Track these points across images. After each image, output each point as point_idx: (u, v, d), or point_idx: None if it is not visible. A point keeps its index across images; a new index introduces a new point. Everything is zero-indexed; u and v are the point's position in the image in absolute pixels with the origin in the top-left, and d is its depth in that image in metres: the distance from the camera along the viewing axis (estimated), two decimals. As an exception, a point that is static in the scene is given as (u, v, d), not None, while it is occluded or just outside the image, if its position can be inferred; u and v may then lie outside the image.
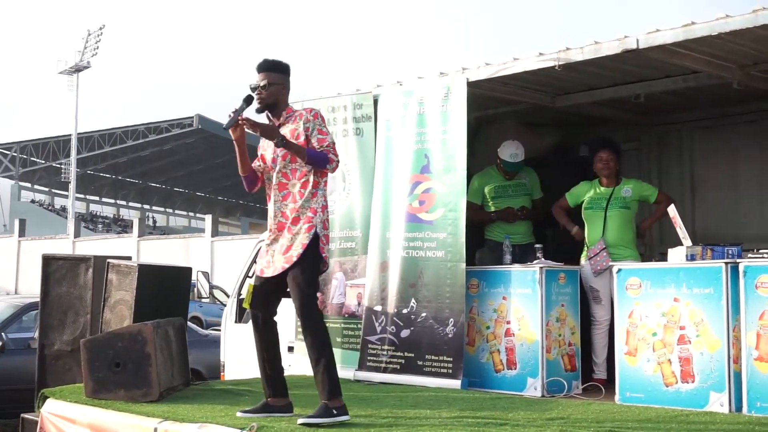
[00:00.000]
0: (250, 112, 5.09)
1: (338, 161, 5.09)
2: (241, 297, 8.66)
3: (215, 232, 33.14)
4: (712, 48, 5.86)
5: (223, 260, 30.02)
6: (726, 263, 5.33)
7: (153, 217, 68.49)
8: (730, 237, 6.50)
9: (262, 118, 5.21)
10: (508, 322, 6.38)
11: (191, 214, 74.58)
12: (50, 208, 64.94)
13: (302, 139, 5.03)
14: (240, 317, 8.58)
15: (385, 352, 6.81)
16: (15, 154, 60.83)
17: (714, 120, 7.96)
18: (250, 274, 8.62)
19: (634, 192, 6.73)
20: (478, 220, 7.23)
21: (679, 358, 5.47)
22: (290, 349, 7.69)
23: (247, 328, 8.37)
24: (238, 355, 8.46)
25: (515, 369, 6.31)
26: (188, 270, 7.48)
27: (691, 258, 5.61)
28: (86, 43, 52.91)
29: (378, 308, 6.91)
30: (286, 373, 7.61)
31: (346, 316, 7.16)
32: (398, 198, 6.93)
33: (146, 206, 71.63)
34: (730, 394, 5.25)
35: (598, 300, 6.61)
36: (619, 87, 7.07)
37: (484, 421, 4.87)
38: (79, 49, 53.12)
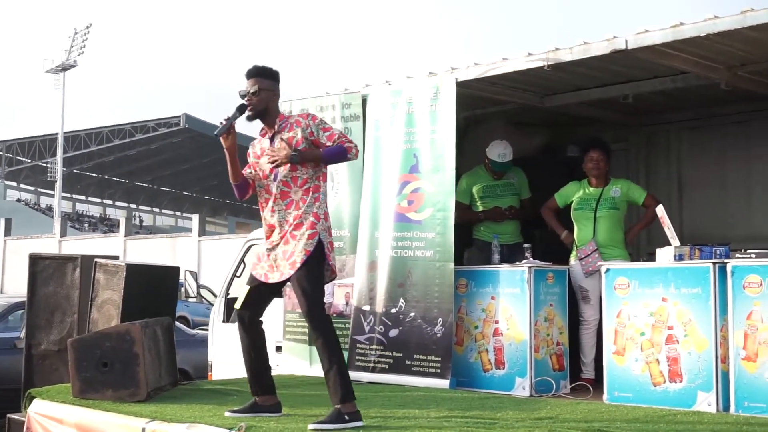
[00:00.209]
0: (241, 121, 5.03)
1: (356, 146, 5.01)
2: (230, 297, 8.66)
3: (202, 232, 33.04)
4: (700, 49, 5.88)
5: (210, 260, 29.94)
6: (714, 263, 5.35)
7: (139, 217, 68.27)
8: (717, 237, 6.52)
9: (255, 126, 5.15)
10: (497, 322, 6.38)
11: (178, 213, 74.39)
12: (36, 207, 64.67)
13: (303, 145, 4.96)
14: (228, 317, 8.56)
15: (373, 352, 6.80)
16: (1, 153, 60.61)
17: (702, 120, 7.99)
18: (238, 274, 8.61)
19: (623, 192, 6.74)
20: (466, 220, 7.23)
21: (667, 357, 5.49)
22: (278, 348, 7.68)
23: (235, 328, 8.40)
24: (225, 355, 8.44)
25: (503, 369, 6.32)
26: (176, 269, 7.45)
27: (679, 258, 5.63)
28: (73, 42, 52.70)
29: (366, 308, 6.91)
30: (274, 373, 7.61)
31: (335, 315, 7.14)
32: (387, 197, 6.93)
33: (133, 205, 71.40)
34: (718, 393, 5.27)
35: (587, 300, 6.62)
36: (607, 87, 7.08)
37: (473, 421, 4.87)
38: (65, 47, 52.93)
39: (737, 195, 7.87)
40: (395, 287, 6.76)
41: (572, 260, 6.74)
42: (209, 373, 8.59)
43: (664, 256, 5.75)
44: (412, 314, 6.65)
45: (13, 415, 6.33)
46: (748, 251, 5.48)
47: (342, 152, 4.96)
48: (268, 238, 5.08)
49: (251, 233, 9.45)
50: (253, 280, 5.11)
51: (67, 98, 52.89)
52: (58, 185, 52.36)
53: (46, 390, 6.09)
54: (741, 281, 5.18)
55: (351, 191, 7.20)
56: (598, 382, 6.26)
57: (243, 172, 5.17)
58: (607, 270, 5.89)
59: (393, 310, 6.76)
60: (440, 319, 6.49)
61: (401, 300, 6.72)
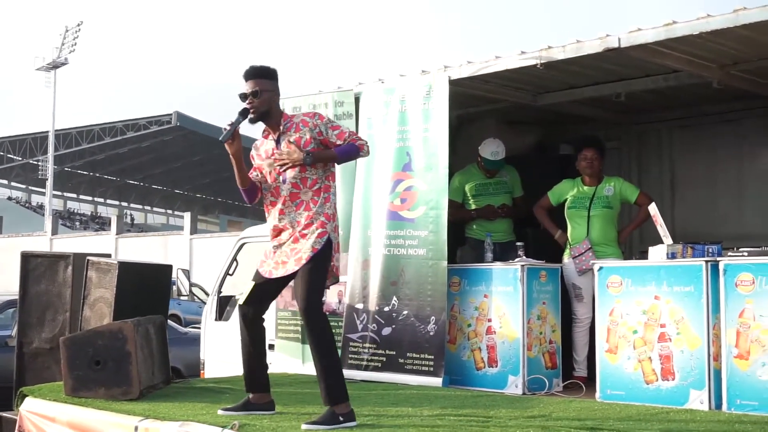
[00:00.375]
0: (244, 124, 4.92)
1: (366, 143, 4.96)
2: (222, 295, 8.64)
3: (194, 230, 33.00)
4: (692, 47, 5.90)
5: (201, 258, 29.91)
6: (706, 261, 5.36)
7: (131, 215, 68.10)
8: (709, 235, 6.53)
9: (258, 128, 5.08)
10: (490, 320, 6.39)
11: (169, 211, 74.26)
12: (27, 205, 64.51)
13: (312, 145, 4.88)
14: (220, 315, 8.55)
15: (366, 350, 6.80)
16: (-9, 151, 60.39)
17: (694, 119, 8.00)
18: (230, 272, 8.60)
19: (617, 191, 6.75)
20: (459, 218, 7.23)
21: (659, 355, 5.50)
22: (271, 347, 7.66)
23: (227, 326, 8.40)
24: (218, 353, 8.44)
25: (496, 367, 6.33)
26: (168, 268, 7.45)
27: (672, 256, 5.64)
28: (64, 40, 52.52)
29: (359, 306, 6.90)
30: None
31: (327, 313, 7.12)
32: (380, 196, 6.93)
33: (124, 204, 71.25)
34: (710, 391, 5.28)
35: (580, 298, 6.63)
36: (600, 86, 7.09)
37: (467, 419, 4.87)
38: (56, 45, 52.76)
39: (729, 193, 7.89)
40: (388, 285, 6.76)
41: (565, 258, 6.75)
42: (201, 372, 8.58)
43: (657, 254, 5.76)
44: (405, 312, 6.65)
45: (5, 414, 6.33)
46: (741, 249, 5.50)
47: (354, 150, 4.91)
48: (274, 237, 5.01)
49: (244, 231, 9.44)
50: (258, 276, 5.04)
51: (58, 96, 52.89)
52: (49, 183, 52.22)
53: (38, 388, 6.08)
54: (733, 279, 5.19)
55: (344, 189, 7.18)
56: (590, 380, 6.29)
57: (250, 175, 5.09)
58: (600, 268, 5.90)
59: (386, 309, 6.76)
60: (433, 317, 6.49)
61: (394, 298, 6.72)
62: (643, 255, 6.32)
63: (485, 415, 5.05)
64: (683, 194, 8.13)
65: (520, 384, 6.17)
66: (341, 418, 4.68)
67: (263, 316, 5.13)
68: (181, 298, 20.30)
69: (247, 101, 4.94)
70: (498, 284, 6.38)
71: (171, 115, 53.08)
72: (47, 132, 53.32)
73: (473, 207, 7.34)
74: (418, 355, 6.54)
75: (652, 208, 6.01)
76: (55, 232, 37.84)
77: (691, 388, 5.35)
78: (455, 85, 6.64)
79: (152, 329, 6.30)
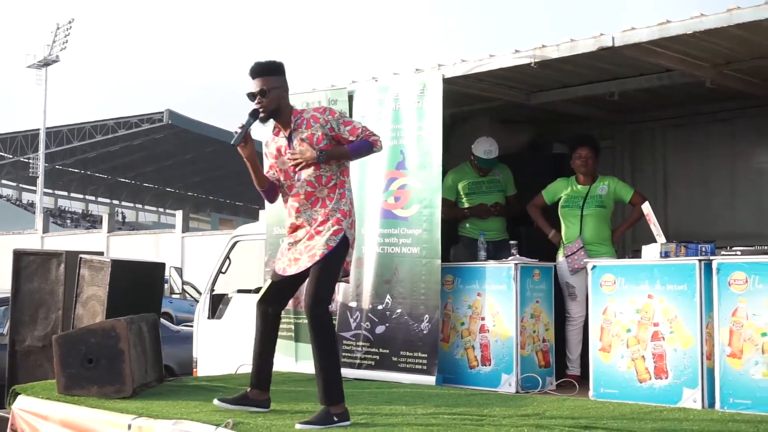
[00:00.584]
0: (256, 125, 4.84)
1: (379, 138, 4.91)
2: (215, 293, 8.63)
3: (186, 228, 32.92)
4: (686, 46, 5.90)
5: (193, 256, 29.84)
6: (700, 260, 5.38)
7: (122, 213, 67.93)
8: (702, 234, 6.55)
9: (269, 127, 5.02)
10: (483, 319, 6.39)
11: (161, 209, 74.12)
12: (18, 203, 64.29)
13: (325, 142, 4.82)
14: (213, 313, 8.54)
15: (359, 348, 6.80)
16: (-18, 149, 60.16)
17: (687, 118, 8.02)
18: (223, 271, 8.59)
19: (610, 190, 6.76)
20: (452, 217, 7.23)
21: (652, 354, 5.51)
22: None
23: (220, 324, 8.39)
24: (210, 351, 8.43)
25: (490, 365, 6.33)
26: (161, 266, 7.42)
27: (665, 255, 5.65)
28: (55, 37, 52.35)
29: (353, 304, 6.90)
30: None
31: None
32: (373, 194, 6.92)
33: (115, 202, 71.07)
34: (703, 390, 5.30)
35: (573, 296, 6.64)
36: (593, 85, 7.09)
37: (461, 417, 4.87)
38: (47, 42, 52.56)
39: (721, 192, 7.91)
40: (382, 284, 6.76)
41: (559, 257, 6.76)
42: (194, 370, 8.57)
43: (650, 253, 5.77)
44: (399, 311, 6.65)
45: (-3, 412, 6.29)
46: (734, 248, 5.52)
47: (368, 146, 4.86)
48: (291, 233, 4.96)
49: (237, 229, 9.43)
50: (274, 274, 5.02)
51: (49, 93, 52.56)
52: (40, 181, 52.07)
53: (30, 386, 6.06)
54: (726, 278, 5.21)
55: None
56: (583, 378, 6.29)
57: (267, 175, 5.02)
58: (594, 267, 5.91)
59: (379, 307, 6.76)
60: (427, 315, 6.49)
61: (388, 297, 6.72)
62: (637, 254, 6.33)
63: (479, 413, 5.05)
64: (676, 193, 8.15)
65: (514, 382, 6.18)
66: (335, 418, 4.66)
67: (280, 314, 5.12)
68: (173, 296, 20.24)
69: (255, 101, 4.85)
70: (491, 283, 6.38)
71: (162, 113, 52.90)
72: (38, 130, 53.15)
73: (466, 205, 7.35)
74: (411, 354, 6.54)
75: (646, 207, 6.02)
76: (46, 230, 37.69)
77: (685, 387, 5.36)
78: (449, 83, 6.64)
79: (145, 327, 6.28)
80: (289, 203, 4.96)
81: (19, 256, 7.01)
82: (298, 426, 4.61)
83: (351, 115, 7.12)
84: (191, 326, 9.88)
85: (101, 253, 7.01)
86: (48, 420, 5.56)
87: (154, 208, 74.97)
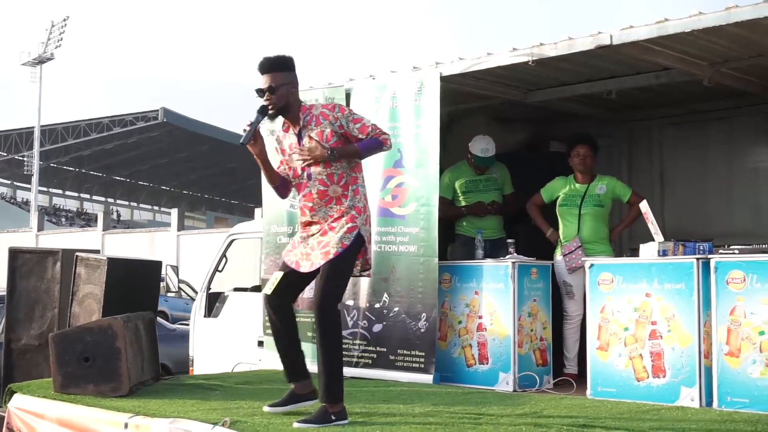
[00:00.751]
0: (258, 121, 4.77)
1: (389, 136, 4.86)
2: (212, 291, 8.61)
3: (181, 226, 32.90)
4: (684, 45, 5.90)
5: (188, 254, 29.82)
6: (697, 259, 5.37)
7: (117, 211, 67.84)
8: (699, 233, 6.55)
9: (278, 123, 4.97)
10: (480, 317, 6.39)
11: (156, 207, 74.03)
12: (12, 201, 64.14)
13: (334, 139, 4.76)
14: (209, 311, 8.52)
15: (357, 347, 6.79)
16: (-24, 147, 60.02)
17: (684, 117, 8.02)
18: (219, 269, 8.57)
19: (609, 189, 6.76)
20: (449, 215, 7.22)
21: (650, 353, 5.51)
22: (260, 343, 7.66)
23: (216, 323, 8.38)
24: (207, 350, 8.41)
25: (487, 364, 6.32)
26: (158, 264, 7.41)
27: (663, 254, 5.64)
28: (50, 35, 52.30)
29: (350, 303, 6.89)
30: (255, 368, 7.61)
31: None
32: (370, 192, 6.87)
33: (110, 200, 70.96)
34: (701, 388, 5.29)
35: (571, 295, 6.64)
36: (591, 83, 7.08)
37: (459, 416, 4.86)
38: (42, 40, 52.53)
39: (719, 191, 7.92)
40: (379, 282, 6.74)
41: (557, 256, 6.75)
42: (190, 368, 8.55)
43: (648, 251, 5.77)
44: (396, 309, 6.64)
45: (-7, 410, 6.27)
46: (732, 247, 5.51)
47: (377, 145, 4.80)
48: (304, 229, 4.90)
49: (233, 228, 9.41)
50: (284, 266, 4.92)
51: (44, 91, 52.48)
52: (35, 179, 51.98)
53: (26, 385, 6.05)
54: (724, 277, 5.20)
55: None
56: (580, 377, 6.29)
57: (278, 171, 4.97)
58: (591, 265, 5.91)
59: (377, 305, 6.75)
60: (424, 314, 6.49)
61: (385, 295, 6.71)
62: (634, 252, 6.32)
63: (477, 412, 5.04)
64: (673, 192, 8.15)
65: (511, 381, 6.17)
66: (333, 417, 4.64)
67: (293, 306, 5.00)
68: (169, 294, 20.22)
69: (264, 98, 4.79)
70: (489, 281, 6.38)
71: (158, 111, 52.85)
72: (33, 127, 53.06)
73: (463, 204, 7.34)
74: (408, 352, 6.54)
75: (644, 206, 6.01)
76: (41, 228, 37.64)
77: (682, 386, 5.36)
78: (446, 81, 6.63)
79: (142, 325, 6.27)
80: (302, 203, 4.90)
81: (15, 254, 6.99)
82: (295, 425, 4.59)
83: (349, 114, 7.10)
84: (187, 325, 9.87)
85: (97, 251, 6.99)
86: (44, 419, 5.55)
87: (149, 207, 74.87)
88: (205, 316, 8.54)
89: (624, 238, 7.66)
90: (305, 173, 4.84)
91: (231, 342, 8.16)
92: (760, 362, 5.04)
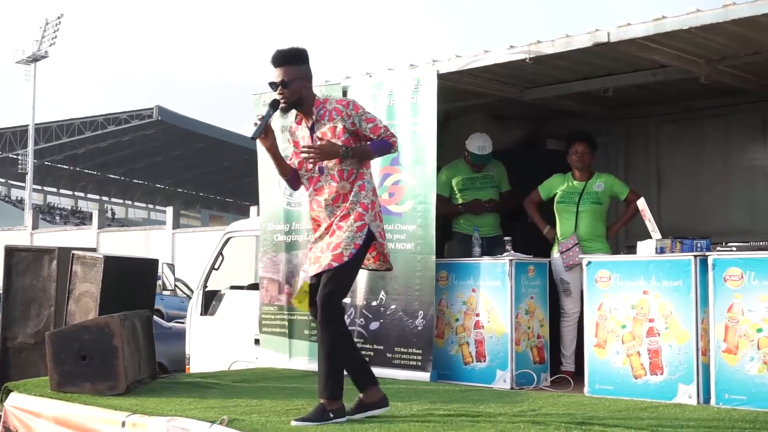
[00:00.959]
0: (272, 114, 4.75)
1: (398, 139, 4.86)
2: (208, 290, 8.60)
3: (176, 225, 32.86)
4: (681, 42, 5.90)
5: (183, 252, 29.79)
6: (695, 256, 5.37)
7: (111, 209, 67.77)
8: (696, 230, 6.56)
9: (290, 116, 4.95)
10: (478, 315, 6.38)
11: (150, 206, 73.96)
12: (7, 199, 64.07)
13: (345, 136, 4.73)
14: (205, 310, 8.51)
15: (353, 345, 6.77)
16: (-30, 145, 59.90)
17: (681, 114, 8.03)
18: (216, 267, 8.56)
19: (606, 187, 6.77)
20: (446, 213, 7.22)
21: (648, 350, 5.51)
22: (256, 342, 7.65)
23: (213, 321, 8.37)
24: (203, 348, 8.40)
25: (484, 361, 6.32)
26: (154, 262, 7.39)
27: (661, 251, 5.64)
28: (44, 33, 52.22)
29: (347, 300, 6.85)
30: (252, 366, 7.60)
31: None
32: (368, 190, 6.89)
33: (105, 198, 70.88)
34: (699, 385, 5.30)
35: (568, 292, 6.64)
36: (588, 80, 7.09)
37: (457, 414, 4.85)
38: (36, 38, 52.47)
39: (715, 188, 7.93)
40: (376, 280, 6.73)
41: (554, 253, 6.75)
42: (187, 366, 8.54)
43: (646, 249, 5.77)
44: (393, 307, 6.64)
45: (-11, 409, 6.25)
46: (729, 244, 5.51)
47: (387, 147, 4.80)
48: (315, 230, 4.88)
49: (229, 226, 9.40)
50: (309, 278, 4.89)
51: (38, 89, 52.51)
52: (29, 177, 51.90)
53: (23, 383, 6.03)
54: (722, 274, 5.20)
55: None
56: (577, 374, 6.29)
57: (290, 163, 4.95)
58: (589, 263, 5.90)
59: (374, 303, 6.74)
60: (421, 311, 6.48)
61: (382, 293, 6.70)
62: (630, 250, 6.32)
63: (474, 409, 5.04)
64: (670, 189, 8.16)
65: (509, 379, 6.17)
66: (331, 414, 4.62)
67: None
68: (165, 292, 20.21)
69: (278, 92, 4.77)
70: (486, 279, 6.37)
71: (152, 109, 52.75)
72: (27, 126, 52.97)
73: (460, 201, 7.33)
74: (406, 350, 6.53)
75: (641, 203, 6.01)
76: (35, 226, 37.57)
77: (680, 383, 5.36)
78: (443, 79, 6.62)
79: (138, 323, 6.25)
80: (313, 197, 4.87)
81: (11, 253, 6.97)
82: (293, 423, 4.58)
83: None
84: (183, 323, 9.86)
85: (93, 250, 6.97)
86: (41, 417, 5.53)
87: (144, 205, 74.81)
88: (201, 314, 8.52)
89: (621, 235, 7.66)
90: (317, 167, 4.82)
91: (228, 340, 8.15)
92: (758, 359, 5.05)
